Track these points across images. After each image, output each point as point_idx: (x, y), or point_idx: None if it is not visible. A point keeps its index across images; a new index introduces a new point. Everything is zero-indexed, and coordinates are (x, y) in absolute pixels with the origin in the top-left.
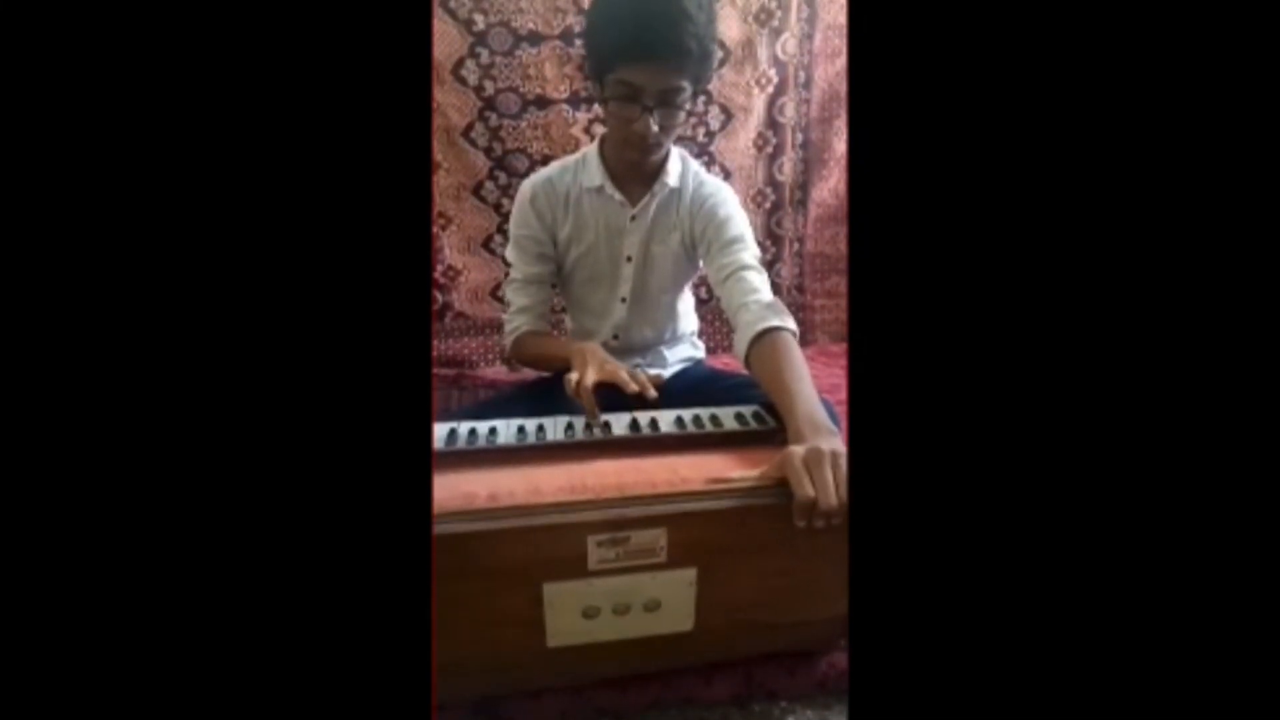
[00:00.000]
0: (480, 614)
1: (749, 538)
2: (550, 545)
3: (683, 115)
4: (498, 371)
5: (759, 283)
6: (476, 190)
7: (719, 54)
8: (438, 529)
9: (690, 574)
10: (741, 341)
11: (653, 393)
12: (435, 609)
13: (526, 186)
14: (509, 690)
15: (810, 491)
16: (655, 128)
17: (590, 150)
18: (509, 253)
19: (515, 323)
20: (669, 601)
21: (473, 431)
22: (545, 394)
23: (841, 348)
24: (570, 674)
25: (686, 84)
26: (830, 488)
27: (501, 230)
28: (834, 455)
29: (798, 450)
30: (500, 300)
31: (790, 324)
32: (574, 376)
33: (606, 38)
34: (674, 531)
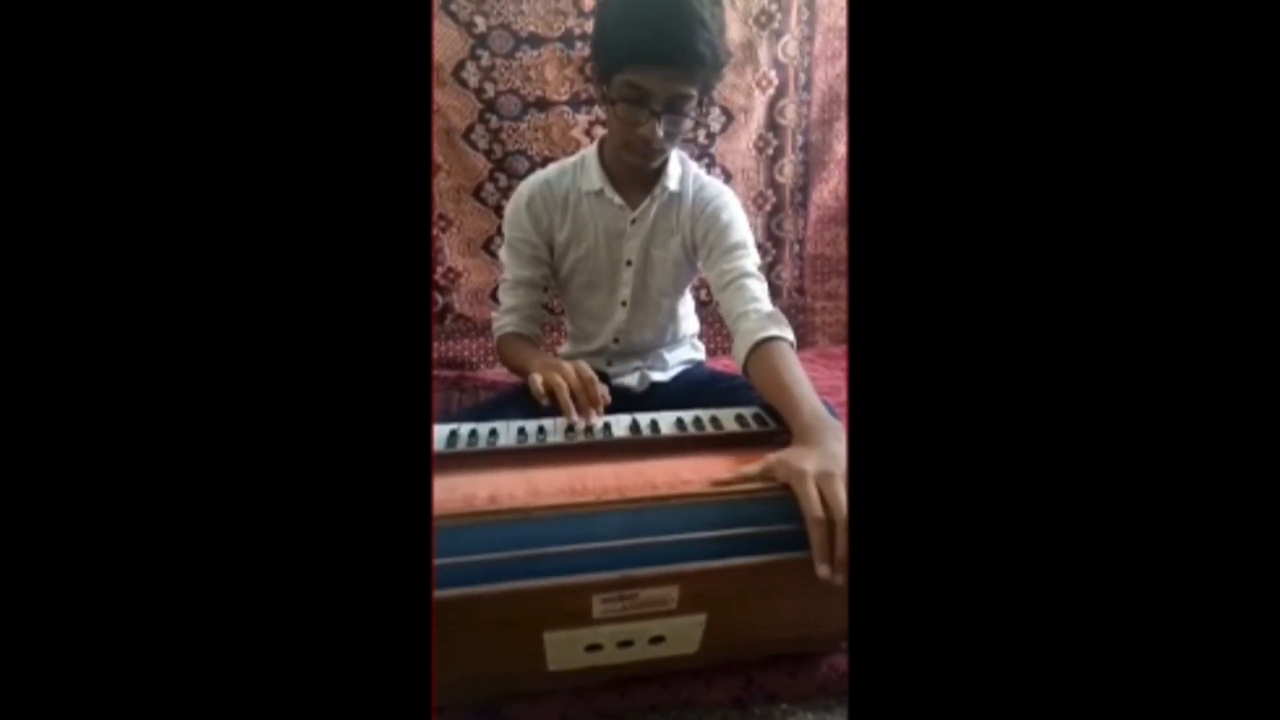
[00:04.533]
0: (478, 654)
1: (765, 586)
2: (554, 603)
3: (689, 123)
4: (498, 373)
5: (759, 291)
6: (477, 192)
7: (727, 60)
8: (437, 594)
9: (700, 618)
10: (740, 349)
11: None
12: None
13: (523, 189)
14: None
15: (819, 513)
16: (661, 134)
17: (589, 153)
18: (502, 254)
19: (500, 323)
20: (675, 637)
21: (473, 433)
22: None
23: (842, 350)
24: (570, 684)
25: (695, 91)
26: (843, 505)
27: (502, 232)
28: (844, 474)
29: (809, 467)
30: (499, 301)
31: (789, 335)
32: (538, 378)
33: (618, 38)
34: (686, 586)
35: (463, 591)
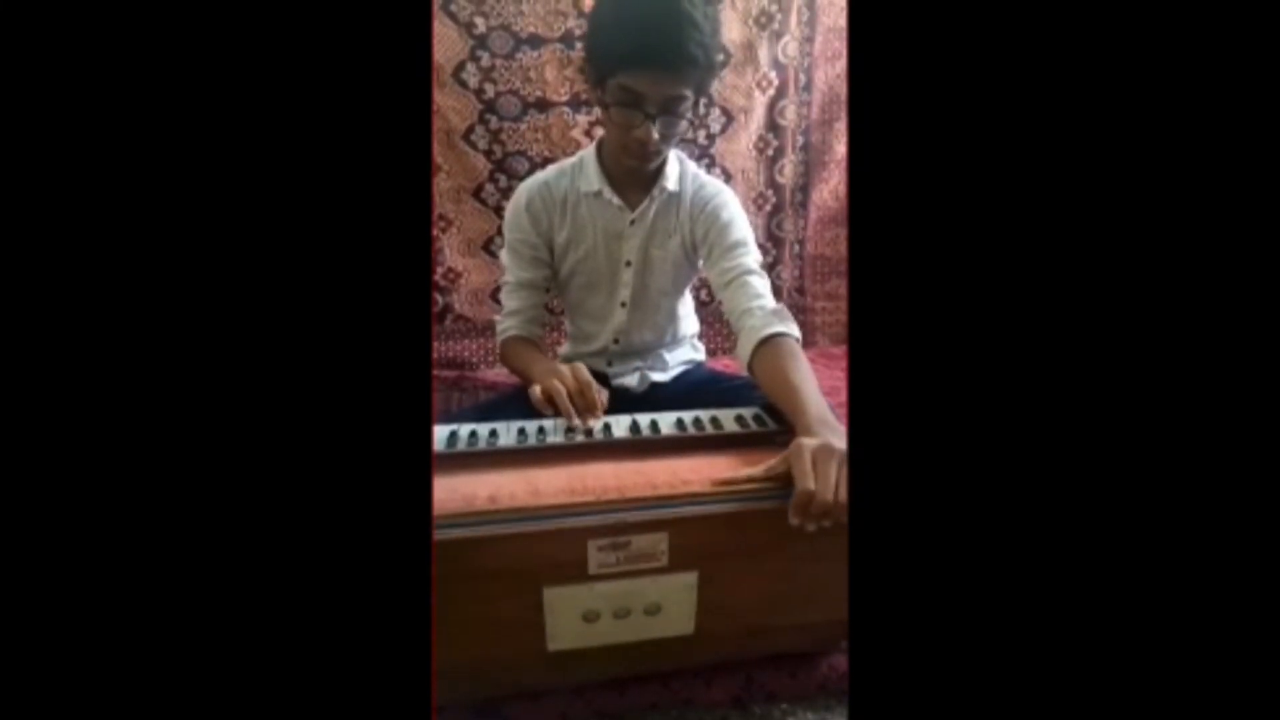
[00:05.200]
0: (480, 618)
1: (750, 541)
2: (550, 550)
3: (684, 124)
4: (498, 373)
5: (762, 288)
6: (477, 193)
7: (722, 60)
8: (438, 535)
9: (691, 578)
10: (746, 347)
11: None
12: (435, 611)
13: (522, 191)
14: (509, 692)
15: (810, 485)
16: (656, 136)
17: (587, 154)
18: (503, 256)
19: (504, 325)
20: (669, 605)
21: (473, 433)
22: None
23: (842, 350)
24: (571, 676)
25: (689, 93)
26: (831, 484)
27: (502, 233)
28: (844, 455)
29: (809, 442)
30: (500, 302)
31: (794, 330)
32: (538, 389)
33: (609, 43)
34: (675, 536)
35: (464, 534)
